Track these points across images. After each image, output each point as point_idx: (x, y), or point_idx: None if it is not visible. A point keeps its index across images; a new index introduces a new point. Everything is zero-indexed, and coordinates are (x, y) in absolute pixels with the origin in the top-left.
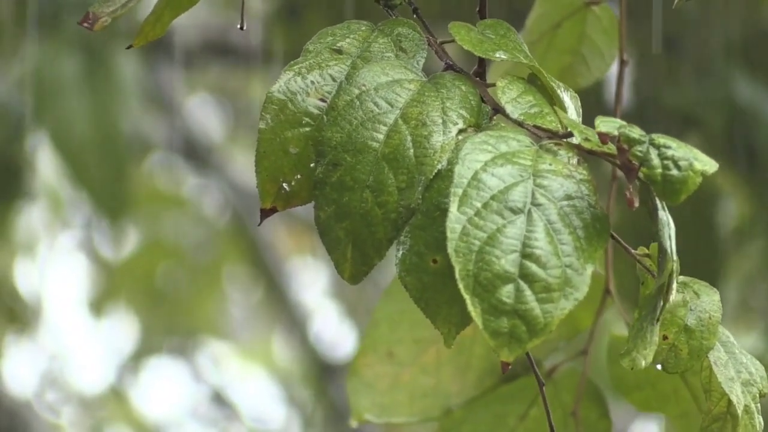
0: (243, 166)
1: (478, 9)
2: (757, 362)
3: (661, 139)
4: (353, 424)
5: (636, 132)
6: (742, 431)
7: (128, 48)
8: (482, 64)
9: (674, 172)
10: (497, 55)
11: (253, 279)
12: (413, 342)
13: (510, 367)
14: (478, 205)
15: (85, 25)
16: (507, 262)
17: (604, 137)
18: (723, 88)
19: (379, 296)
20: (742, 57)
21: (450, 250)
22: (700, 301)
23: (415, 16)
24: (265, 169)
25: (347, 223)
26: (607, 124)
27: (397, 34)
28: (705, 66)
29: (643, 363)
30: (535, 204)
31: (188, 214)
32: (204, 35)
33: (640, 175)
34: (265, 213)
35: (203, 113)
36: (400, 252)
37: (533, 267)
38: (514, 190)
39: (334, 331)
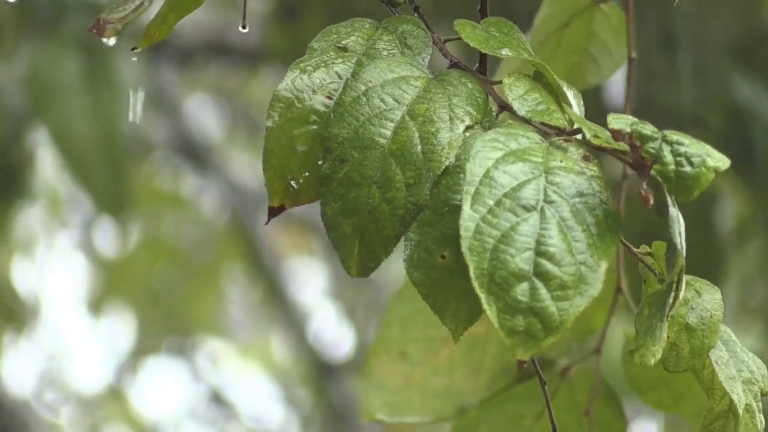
0: (242, 165)
1: (479, 8)
2: (759, 360)
3: (674, 135)
4: (363, 422)
5: (649, 129)
6: (743, 430)
7: (133, 50)
8: (483, 62)
9: (687, 168)
10: (503, 52)
11: (252, 279)
12: (425, 342)
13: (525, 365)
14: (491, 203)
15: (95, 32)
16: (521, 260)
17: (617, 134)
18: (722, 88)
19: (378, 295)
20: (741, 57)
21: (464, 249)
22: (702, 300)
23: (416, 15)
24: (273, 167)
25: (354, 219)
26: (619, 121)
27: (402, 31)
28: (704, 66)
29: (653, 360)
30: (548, 201)
31: (187, 213)
32: (203, 35)
33: (652, 172)
34: (273, 211)
35: (202, 113)
36: (408, 248)
37: (548, 265)
38: (526, 187)
39: (333, 331)
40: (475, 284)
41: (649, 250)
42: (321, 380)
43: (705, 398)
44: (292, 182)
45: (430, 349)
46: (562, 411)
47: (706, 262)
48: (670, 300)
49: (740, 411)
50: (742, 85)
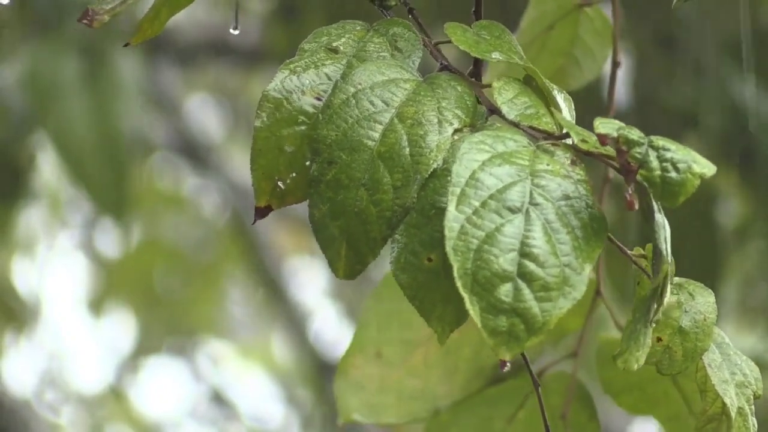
0: (242, 165)
1: (473, 10)
2: (752, 363)
3: (660, 141)
4: (340, 423)
5: (635, 134)
6: None
7: (126, 45)
8: (477, 65)
9: (673, 174)
10: (493, 56)
11: (253, 278)
12: (401, 343)
13: (508, 365)
14: (477, 204)
15: (84, 22)
16: (505, 260)
17: (603, 138)
18: (722, 88)
19: None
20: (741, 57)
21: (448, 249)
22: (695, 303)
23: (410, 16)
24: (261, 167)
25: (342, 222)
26: (606, 126)
27: (393, 33)
28: (704, 66)
29: (636, 365)
30: (533, 203)
31: (187, 213)
32: (204, 35)
33: (638, 177)
34: (260, 211)
35: (203, 113)
36: (395, 250)
37: (531, 266)
38: (512, 189)
39: (333, 331)
40: (459, 284)
41: (642, 251)
42: (321, 380)
43: (681, 402)
44: (279, 183)
45: (405, 351)
46: (535, 413)
47: (707, 261)
48: (654, 306)
49: (733, 414)
50: (741, 85)
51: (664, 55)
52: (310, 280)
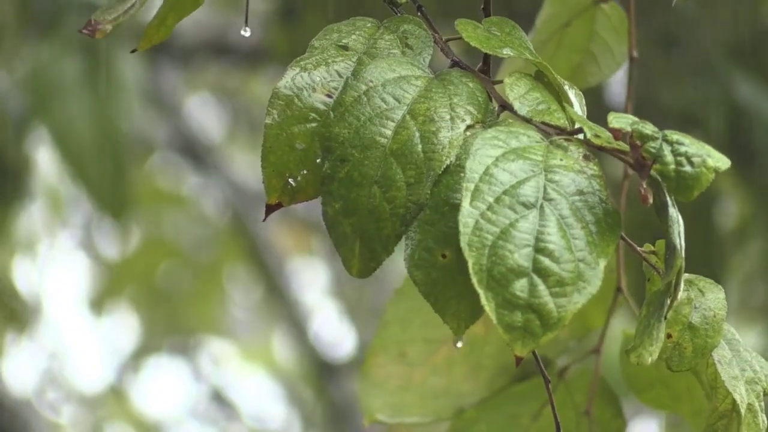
0: (243, 165)
1: (482, 7)
2: (762, 360)
3: (674, 135)
4: (365, 424)
5: (649, 128)
6: (745, 429)
7: (133, 52)
8: (487, 61)
9: (687, 168)
10: (504, 52)
11: (254, 278)
12: (424, 342)
13: (522, 361)
14: (491, 199)
15: (86, 32)
16: (520, 256)
17: (617, 133)
18: (723, 88)
19: (380, 295)
20: (742, 57)
21: (463, 245)
22: (705, 299)
23: (419, 13)
24: (271, 165)
25: (355, 219)
26: (620, 120)
27: (403, 30)
28: (705, 66)
29: (650, 359)
30: (547, 199)
31: (188, 213)
32: (204, 35)
33: (652, 171)
34: (271, 208)
35: (203, 113)
36: (409, 247)
37: (546, 261)
38: (525, 184)
39: (334, 330)
40: (474, 280)
41: (653, 248)
42: (322, 379)
43: (703, 398)
44: (290, 180)
45: (429, 350)
46: (559, 410)
47: (707, 261)
48: (668, 300)
49: (743, 410)
50: (742, 85)
51: (664, 55)
52: (311, 279)
